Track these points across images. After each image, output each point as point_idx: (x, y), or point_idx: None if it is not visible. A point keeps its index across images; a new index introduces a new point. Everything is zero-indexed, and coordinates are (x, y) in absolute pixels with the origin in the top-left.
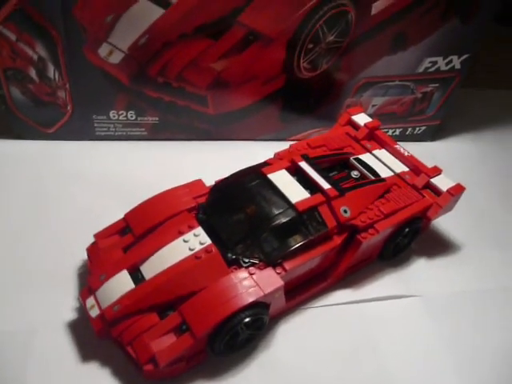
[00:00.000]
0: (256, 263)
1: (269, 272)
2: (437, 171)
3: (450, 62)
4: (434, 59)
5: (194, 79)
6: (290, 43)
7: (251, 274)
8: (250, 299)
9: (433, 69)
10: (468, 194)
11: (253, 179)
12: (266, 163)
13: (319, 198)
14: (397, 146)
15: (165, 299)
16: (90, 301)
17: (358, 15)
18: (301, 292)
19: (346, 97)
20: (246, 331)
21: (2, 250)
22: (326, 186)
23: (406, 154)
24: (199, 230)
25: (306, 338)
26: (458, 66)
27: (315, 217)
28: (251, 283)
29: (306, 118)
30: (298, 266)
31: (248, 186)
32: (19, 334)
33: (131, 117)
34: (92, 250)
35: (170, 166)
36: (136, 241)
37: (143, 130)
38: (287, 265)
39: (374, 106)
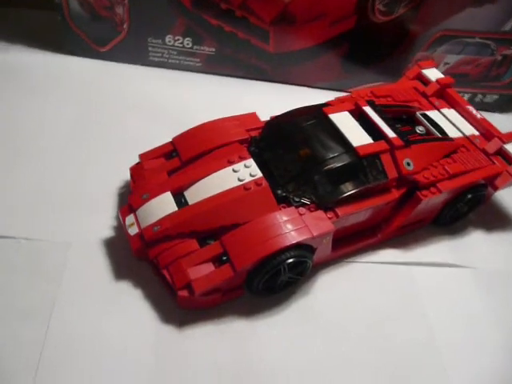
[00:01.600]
0: (307, 204)
1: (319, 214)
2: (510, 137)
3: None
4: None
5: (259, 10)
6: None
7: (301, 214)
8: (297, 239)
9: None
10: None
11: (313, 117)
12: (327, 104)
13: (383, 145)
14: (469, 107)
15: (207, 227)
16: (130, 218)
17: None
18: (348, 243)
19: (419, 49)
20: (288, 273)
21: (47, 166)
22: (391, 134)
23: (479, 116)
24: (250, 162)
25: (348, 292)
26: None
27: (376, 164)
28: (300, 223)
29: (371, 68)
30: (351, 213)
31: (307, 124)
32: (57, 245)
33: (187, 44)
34: (136, 169)
35: (222, 101)
36: (182, 166)
37: (198, 60)
38: (340, 210)
39: (446, 64)
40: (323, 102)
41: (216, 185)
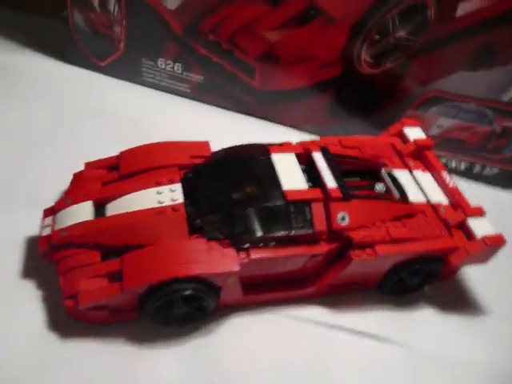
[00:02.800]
0: (221, 239)
1: (229, 252)
2: (479, 212)
3: None
4: None
5: (245, 45)
6: (353, 29)
7: (210, 249)
8: (192, 272)
9: None
10: None
11: (254, 154)
12: (279, 144)
13: (316, 193)
14: (444, 174)
15: (113, 242)
16: (48, 220)
17: (440, 13)
18: (269, 290)
19: (408, 107)
20: (184, 306)
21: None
22: (331, 184)
23: (452, 185)
24: (176, 187)
25: (255, 343)
26: None
27: (304, 213)
28: (203, 256)
29: (359, 119)
30: (267, 259)
31: (246, 159)
32: None
33: (177, 69)
34: (77, 176)
35: (200, 129)
36: (118, 179)
37: (187, 86)
38: (254, 253)
39: (439, 126)
40: None
41: (135, 203)
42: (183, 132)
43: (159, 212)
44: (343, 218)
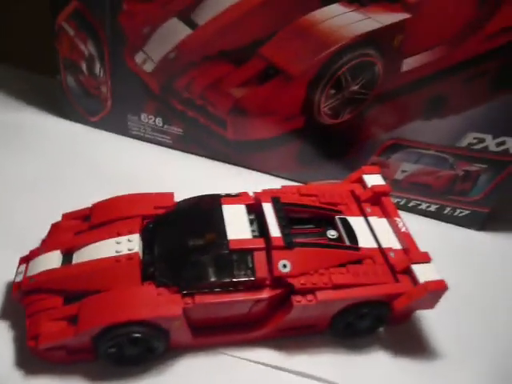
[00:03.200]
0: (169, 285)
1: (175, 298)
2: (424, 258)
3: (503, 143)
4: (480, 136)
5: (215, 101)
6: (310, 84)
7: (158, 294)
8: (137, 316)
9: (478, 146)
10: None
11: (208, 205)
12: (235, 195)
13: (258, 242)
14: (397, 219)
15: (74, 288)
16: (22, 267)
17: (386, 69)
18: (219, 334)
19: (371, 154)
20: (133, 347)
21: None
22: (275, 233)
23: (403, 229)
24: (134, 237)
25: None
26: None
27: (246, 261)
28: (150, 302)
29: (326, 165)
30: (212, 304)
31: (200, 210)
32: None
33: (159, 123)
34: (54, 226)
35: (180, 177)
36: (88, 229)
37: (169, 138)
38: (199, 298)
39: (404, 171)
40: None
41: (96, 252)
42: (165, 180)
43: (115, 260)
44: (285, 266)
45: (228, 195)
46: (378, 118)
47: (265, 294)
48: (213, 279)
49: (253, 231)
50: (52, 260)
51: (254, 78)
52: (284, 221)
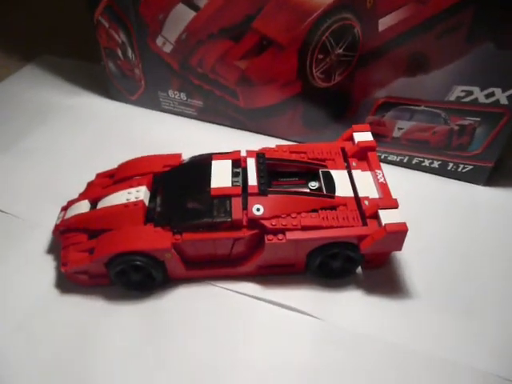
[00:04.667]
0: (164, 226)
1: (166, 234)
2: (392, 204)
3: (492, 94)
4: (467, 88)
5: (224, 74)
6: (300, 51)
7: (154, 232)
8: (136, 247)
9: (468, 99)
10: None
11: (201, 161)
12: (227, 152)
13: (236, 190)
14: (377, 171)
15: (94, 227)
16: (61, 213)
17: (365, 30)
18: (208, 268)
19: (367, 113)
20: (136, 274)
21: (39, 166)
22: (252, 182)
23: (381, 180)
24: (141, 188)
25: (196, 308)
26: (504, 101)
27: (225, 205)
28: (147, 237)
29: (330, 126)
30: (197, 240)
31: (195, 166)
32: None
33: (183, 97)
34: (89, 183)
35: (204, 143)
36: (111, 184)
37: (193, 110)
38: (186, 236)
39: (400, 129)
40: None
41: (113, 200)
42: (189, 146)
43: (124, 206)
44: (258, 209)
45: (220, 153)
46: (365, 77)
47: (241, 234)
48: (197, 220)
49: (236, 181)
50: (82, 207)
51: (252, 50)
52: (263, 172)
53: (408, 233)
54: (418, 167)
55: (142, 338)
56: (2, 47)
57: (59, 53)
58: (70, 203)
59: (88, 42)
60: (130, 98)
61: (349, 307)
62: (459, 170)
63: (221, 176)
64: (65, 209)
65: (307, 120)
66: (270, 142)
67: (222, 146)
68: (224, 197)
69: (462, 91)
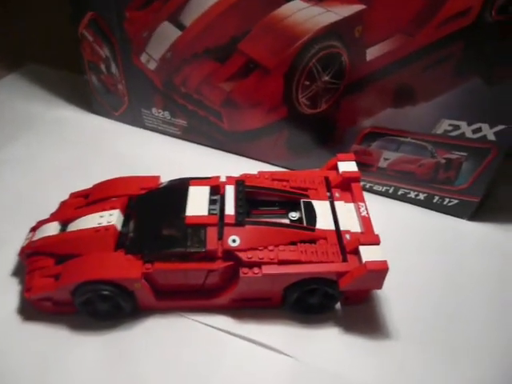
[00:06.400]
0: (135, 253)
1: (136, 263)
2: (374, 240)
3: (479, 130)
4: (454, 122)
5: (208, 95)
6: (286, 76)
7: (125, 260)
8: (103, 276)
9: (455, 133)
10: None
11: (178, 187)
12: (205, 178)
13: (212, 219)
14: (360, 204)
15: (62, 252)
16: (29, 234)
17: (352, 59)
18: (180, 299)
19: (352, 142)
20: (103, 303)
21: (13, 180)
22: (229, 211)
23: (364, 214)
24: (114, 212)
25: (163, 340)
26: (491, 137)
27: (199, 234)
28: (116, 266)
29: (314, 153)
30: (169, 270)
31: (171, 191)
32: None
33: (167, 116)
34: (63, 202)
35: (186, 164)
36: (85, 205)
37: (177, 129)
38: (157, 265)
39: (386, 159)
40: None
41: (84, 223)
42: (172, 166)
43: (95, 231)
44: (234, 241)
45: (198, 178)
46: (351, 106)
47: (215, 265)
48: (169, 249)
49: (213, 210)
50: (51, 229)
51: (238, 73)
52: (241, 201)
53: (390, 267)
54: (404, 198)
55: (106, 371)
56: None
57: (46, 62)
58: (40, 224)
59: (76, 53)
60: (114, 114)
61: (325, 345)
62: (445, 203)
63: (197, 203)
64: (34, 229)
65: (292, 145)
66: (254, 166)
67: (205, 167)
68: (199, 226)
69: (450, 125)
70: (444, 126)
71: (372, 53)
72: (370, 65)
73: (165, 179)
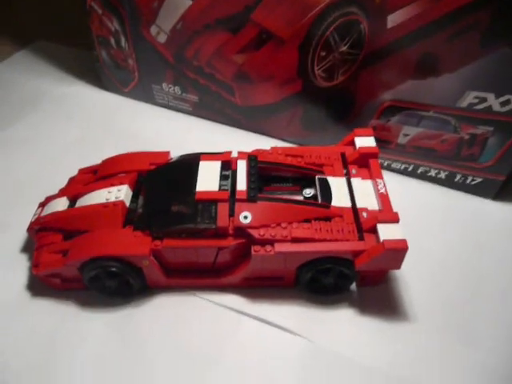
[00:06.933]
0: (144, 230)
1: (145, 239)
2: (392, 218)
3: (507, 102)
4: (481, 94)
5: (220, 67)
6: (301, 47)
7: (133, 236)
8: (110, 252)
9: (481, 106)
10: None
11: (188, 161)
12: (217, 153)
13: (223, 195)
14: (378, 180)
15: (70, 227)
16: (38, 209)
17: (372, 27)
18: (190, 277)
19: (370, 117)
20: (112, 280)
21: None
22: (240, 187)
23: (382, 191)
24: (122, 187)
25: (173, 318)
26: None
27: (210, 210)
28: (124, 242)
29: (329, 129)
30: (178, 247)
31: (181, 166)
32: None
33: (178, 91)
34: (71, 178)
35: (196, 140)
36: (93, 181)
37: (188, 105)
38: (166, 242)
39: (406, 135)
40: None
41: (92, 199)
42: (183, 143)
43: (103, 206)
44: (245, 217)
45: (209, 153)
46: (370, 78)
47: (226, 243)
48: (179, 225)
49: (224, 185)
50: (60, 205)
51: (250, 44)
52: (254, 177)
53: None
54: (423, 177)
55: (113, 349)
56: None
57: (56, 39)
58: (49, 199)
59: (85, 29)
60: (124, 90)
61: (339, 327)
62: (467, 182)
63: (208, 178)
64: (42, 205)
65: (306, 121)
66: (266, 143)
67: (216, 144)
68: (209, 201)
69: (475, 97)
70: (469, 98)
71: (393, 20)
72: (390, 33)
73: (175, 155)
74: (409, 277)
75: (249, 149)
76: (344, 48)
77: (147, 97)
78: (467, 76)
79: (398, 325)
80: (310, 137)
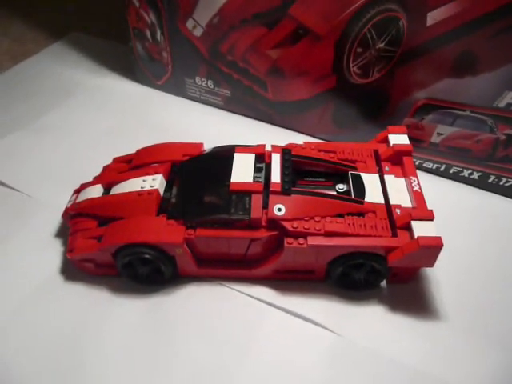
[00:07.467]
0: (177, 219)
1: (179, 229)
2: (427, 215)
3: None
4: None
5: (254, 62)
6: (338, 43)
7: (167, 225)
8: (144, 239)
9: None
10: None
11: (223, 153)
12: (251, 145)
13: (257, 186)
14: (412, 178)
15: (105, 214)
16: (73, 196)
17: (411, 24)
18: (222, 267)
19: (404, 115)
20: (144, 267)
21: (57, 144)
22: (275, 179)
23: (416, 188)
24: (157, 177)
25: (203, 308)
26: None
27: (243, 202)
28: (158, 230)
29: (361, 127)
30: (211, 236)
31: (216, 157)
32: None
33: (210, 85)
34: (105, 167)
35: (227, 135)
36: (128, 170)
37: (220, 99)
38: (199, 231)
39: (439, 134)
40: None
41: (127, 187)
42: (215, 136)
43: (138, 194)
44: (279, 209)
45: (243, 145)
46: (407, 76)
47: (259, 234)
48: (213, 216)
49: (258, 177)
50: (95, 192)
51: (286, 39)
52: (288, 170)
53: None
54: (456, 177)
55: (143, 335)
56: (33, 23)
57: (91, 31)
58: (83, 186)
59: (121, 22)
60: (156, 83)
61: (369, 324)
62: (501, 183)
63: (242, 170)
64: (77, 191)
65: (338, 118)
66: (297, 138)
67: (247, 138)
68: (243, 193)
69: None
70: (507, 98)
71: (433, 17)
72: (430, 30)
73: (207, 147)
74: (439, 276)
75: (280, 143)
76: (381, 45)
77: (179, 90)
78: (506, 76)
79: (428, 323)
80: (341, 134)
